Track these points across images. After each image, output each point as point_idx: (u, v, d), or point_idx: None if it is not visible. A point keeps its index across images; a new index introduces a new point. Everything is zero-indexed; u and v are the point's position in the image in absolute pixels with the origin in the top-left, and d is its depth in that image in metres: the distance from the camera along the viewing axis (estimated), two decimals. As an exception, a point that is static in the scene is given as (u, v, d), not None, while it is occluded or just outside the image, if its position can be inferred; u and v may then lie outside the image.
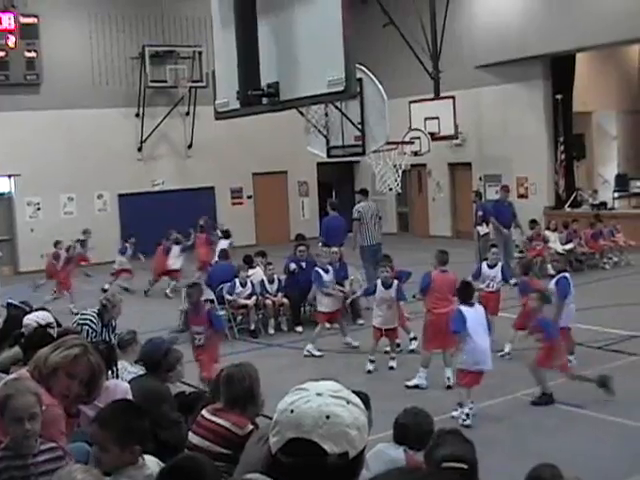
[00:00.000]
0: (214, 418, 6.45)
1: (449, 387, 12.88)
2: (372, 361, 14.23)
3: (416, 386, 12.95)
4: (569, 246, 23.01)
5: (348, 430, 2.57)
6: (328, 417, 2.55)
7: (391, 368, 14.25)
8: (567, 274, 14.06)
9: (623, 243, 23.86)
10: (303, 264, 18.45)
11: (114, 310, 11.74)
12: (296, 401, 2.61)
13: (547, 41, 27.31)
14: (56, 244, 22.84)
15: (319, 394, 2.62)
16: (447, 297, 13.25)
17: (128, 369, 8.48)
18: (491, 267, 15.79)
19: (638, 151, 33.40)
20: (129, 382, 7.55)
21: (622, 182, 30.45)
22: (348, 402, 2.63)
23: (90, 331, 11.30)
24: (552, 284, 13.90)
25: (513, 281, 19.82)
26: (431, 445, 5.47)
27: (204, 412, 6.60)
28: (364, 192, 21.67)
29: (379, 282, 14.21)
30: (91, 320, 11.57)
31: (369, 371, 14.08)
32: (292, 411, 2.59)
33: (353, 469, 2.62)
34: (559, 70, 29.89)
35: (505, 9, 29.02)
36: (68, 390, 5.57)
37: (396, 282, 14.22)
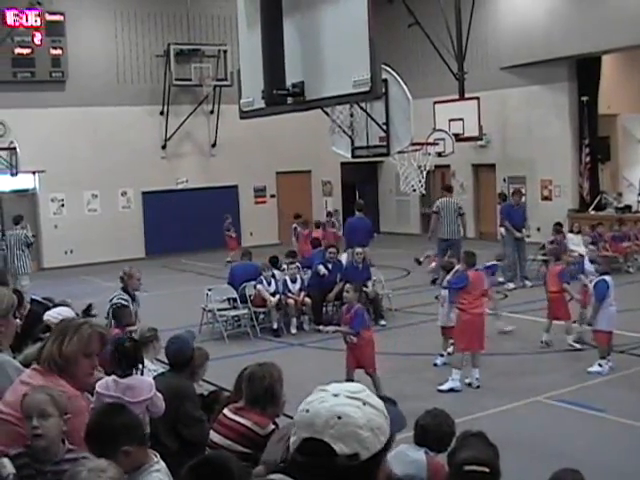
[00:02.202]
0: (236, 417, 6.45)
1: (478, 387, 12.90)
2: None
3: (451, 389, 12.87)
4: (593, 249, 22.86)
5: (360, 431, 2.54)
6: (340, 417, 2.54)
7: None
8: (607, 277, 14.00)
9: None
10: (330, 266, 18.47)
11: (131, 281, 12.95)
12: (313, 401, 2.61)
13: (572, 43, 27.21)
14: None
15: (335, 394, 2.61)
16: (480, 297, 13.30)
17: (149, 367, 8.49)
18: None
19: (664, 154, 33.19)
20: (155, 379, 7.57)
21: (647, 185, 30.27)
22: (365, 403, 2.60)
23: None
24: (591, 287, 14.02)
25: (530, 284, 19.92)
26: (454, 447, 5.46)
27: (226, 410, 6.61)
28: (448, 188, 23.62)
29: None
30: (122, 297, 12.56)
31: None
32: (307, 411, 2.60)
33: (367, 471, 2.58)
34: (584, 72, 29.77)
35: (530, 10, 28.92)
36: (91, 368, 5.57)
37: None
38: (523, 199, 25.53)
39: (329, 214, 28.93)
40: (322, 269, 18.41)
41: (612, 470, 9.49)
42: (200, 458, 4.51)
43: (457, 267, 14.50)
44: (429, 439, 6.40)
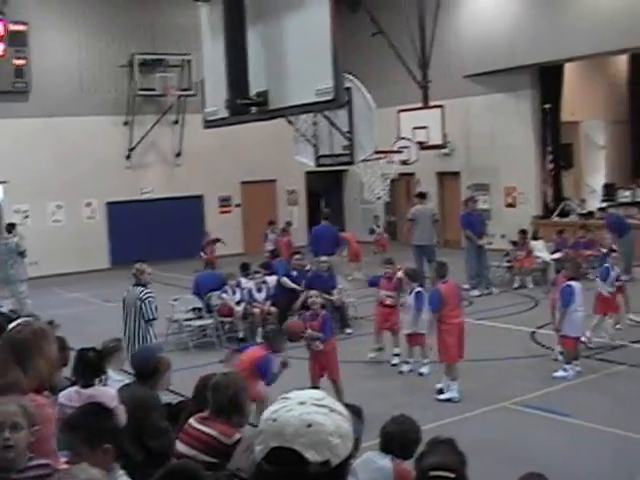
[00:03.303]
0: (201, 427, 6.44)
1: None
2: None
3: (449, 399, 12.87)
4: (557, 255, 23.05)
5: (330, 438, 2.54)
6: (310, 425, 2.54)
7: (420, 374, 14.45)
8: (574, 282, 14.12)
9: (615, 249, 23.87)
10: (294, 273, 18.51)
11: (143, 276, 13.54)
12: (279, 410, 2.60)
13: (535, 51, 27.42)
14: None
15: (302, 403, 2.60)
16: (456, 307, 13.29)
17: (113, 377, 8.47)
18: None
19: (625, 161, 33.51)
20: (120, 389, 7.55)
21: (610, 191, 30.54)
22: (331, 410, 2.61)
23: (154, 301, 13.26)
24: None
25: (496, 290, 20.09)
26: (422, 452, 5.48)
27: (191, 420, 6.59)
28: (422, 195, 23.90)
29: None
30: (151, 293, 13.33)
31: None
32: (275, 420, 2.58)
33: (336, 478, 2.59)
34: (547, 80, 30.02)
35: (493, 19, 29.12)
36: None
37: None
38: (484, 206, 25.72)
39: (288, 223, 29.22)
40: (287, 282, 18.44)
41: (577, 474, 9.57)
42: (170, 466, 4.52)
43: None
44: (395, 446, 6.41)
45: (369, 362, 15.25)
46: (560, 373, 13.76)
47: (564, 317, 13.84)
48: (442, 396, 12.90)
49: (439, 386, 13.03)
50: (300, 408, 2.59)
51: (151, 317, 13.21)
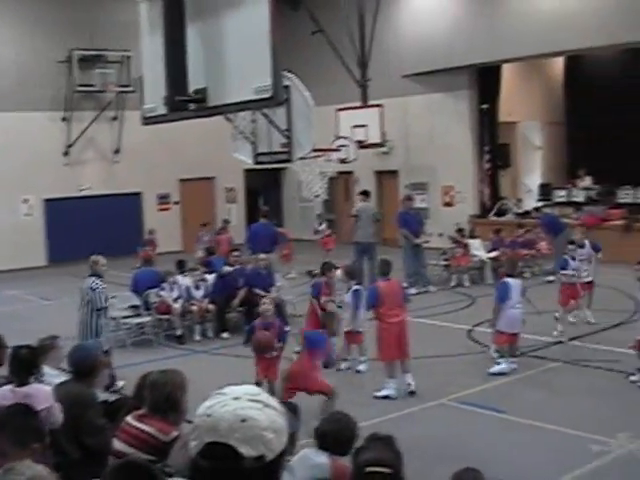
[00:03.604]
0: (138, 424, 6.41)
1: (412, 393, 13.02)
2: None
3: (386, 397, 12.92)
4: (494, 254, 23.30)
5: (264, 433, 2.56)
6: (244, 420, 2.55)
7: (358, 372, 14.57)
8: (509, 279, 14.33)
9: (547, 251, 24.19)
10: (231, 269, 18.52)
11: (97, 267, 13.92)
12: (214, 405, 2.62)
13: (473, 52, 27.68)
14: None
15: (236, 398, 2.62)
16: (396, 306, 13.30)
17: (50, 373, 8.40)
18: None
19: (561, 161, 33.96)
20: (56, 387, 7.50)
21: (546, 191, 30.88)
22: (265, 405, 2.63)
23: (104, 291, 13.75)
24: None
25: (434, 289, 20.31)
26: (358, 448, 5.51)
27: (128, 418, 6.56)
28: (365, 193, 23.99)
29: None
30: (100, 283, 13.77)
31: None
32: (209, 415, 2.59)
33: (271, 472, 2.61)
34: (485, 80, 30.35)
35: (432, 20, 29.34)
36: None
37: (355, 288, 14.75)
38: (422, 205, 25.91)
39: (226, 221, 29.21)
40: (226, 268, 18.44)
41: (512, 469, 9.68)
42: (124, 460, 4.51)
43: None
44: (331, 443, 6.42)
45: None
46: (495, 368, 13.96)
47: (499, 313, 14.07)
48: (379, 393, 12.97)
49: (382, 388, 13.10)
50: (235, 403, 2.60)
51: (99, 306, 13.63)
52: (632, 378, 13.14)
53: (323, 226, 28.59)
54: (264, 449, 2.57)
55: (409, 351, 13.28)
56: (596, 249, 17.96)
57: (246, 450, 2.54)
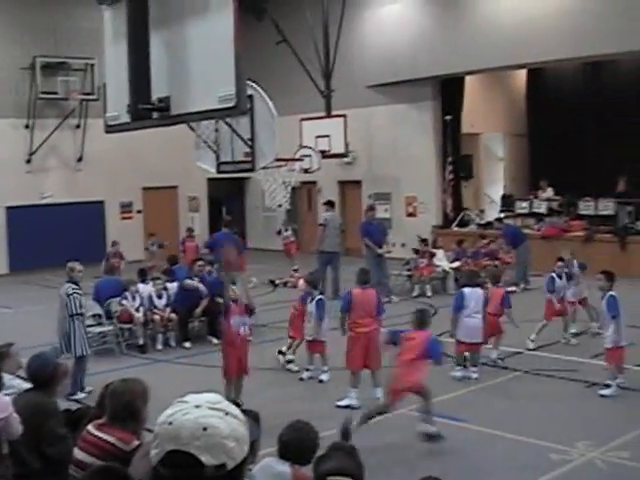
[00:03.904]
0: (99, 433, 6.37)
1: None
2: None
3: (348, 406, 12.87)
4: (456, 264, 23.41)
5: (225, 442, 2.57)
6: (205, 429, 2.55)
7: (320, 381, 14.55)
8: (466, 289, 14.53)
9: (510, 259, 24.35)
10: (196, 279, 18.46)
11: (74, 273, 14.39)
12: (175, 413, 2.62)
13: (437, 63, 27.87)
14: None
15: (197, 406, 2.62)
16: (367, 315, 13.24)
17: (11, 383, 8.34)
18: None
19: (523, 173, 34.23)
20: (16, 397, 7.44)
21: (508, 202, 31.09)
22: (226, 413, 2.63)
23: (78, 297, 14.17)
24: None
25: (396, 299, 20.37)
26: (319, 457, 5.51)
27: (89, 427, 6.51)
28: (330, 203, 24.36)
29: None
30: (75, 289, 14.22)
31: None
32: (170, 423, 2.59)
33: None
34: (448, 92, 30.53)
35: (397, 31, 29.46)
36: None
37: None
38: (385, 215, 26.01)
39: (190, 229, 29.15)
40: (189, 282, 18.36)
41: (472, 478, 9.73)
42: (102, 465, 4.49)
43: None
44: (292, 452, 6.42)
45: (270, 369, 15.27)
46: (456, 373, 14.16)
47: (455, 322, 14.43)
48: (341, 402, 12.97)
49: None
50: (196, 411, 2.60)
51: (74, 312, 14.04)
52: (602, 392, 13.19)
53: (288, 232, 28.57)
54: (225, 457, 2.57)
55: (379, 362, 13.19)
56: (582, 268, 17.96)
57: (207, 458, 2.54)
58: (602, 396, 13.05)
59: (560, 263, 17.40)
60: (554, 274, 17.10)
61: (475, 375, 14.23)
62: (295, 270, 24.64)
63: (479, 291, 14.74)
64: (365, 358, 13.12)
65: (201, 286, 18.27)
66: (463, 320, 14.33)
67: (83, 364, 14.23)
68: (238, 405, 2.87)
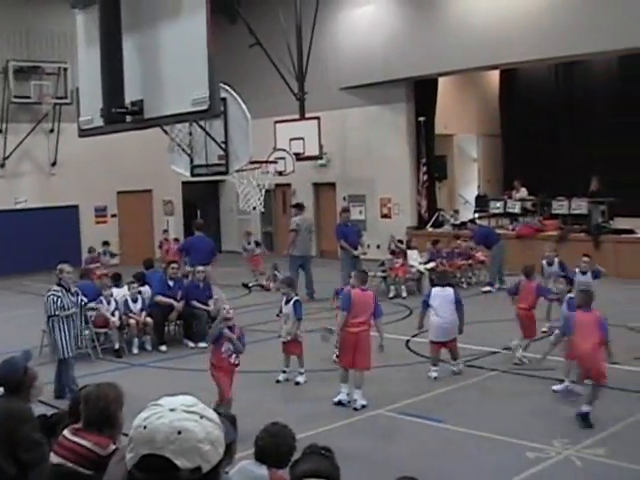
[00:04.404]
0: (75, 438, 6.34)
1: (355, 409, 12.82)
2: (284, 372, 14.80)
3: (340, 402, 12.93)
4: (431, 265, 23.46)
5: (200, 445, 2.57)
6: (180, 432, 2.55)
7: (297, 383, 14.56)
8: (434, 289, 14.72)
9: (484, 258, 24.44)
10: (171, 283, 18.44)
11: (63, 275, 14.27)
12: (150, 417, 2.61)
13: (410, 65, 27.92)
14: None
15: (172, 409, 2.62)
16: (362, 315, 13.15)
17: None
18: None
19: (497, 173, 34.39)
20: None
21: (482, 203, 31.21)
22: (202, 417, 2.63)
23: (55, 298, 13.97)
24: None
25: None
26: (295, 460, 5.51)
27: (65, 432, 6.49)
28: (299, 206, 24.11)
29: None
30: (54, 291, 14.10)
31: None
32: (145, 427, 2.59)
33: None
34: (422, 93, 30.61)
35: (370, 33, 29.50)
36: None
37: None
38: (360, 217, 26.03)
39: (165, 231, 29.19)
40: (162, 299, 18.26)
41: (449, 477, 9.77)
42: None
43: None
44: (269, 455, 6.41)
45: (246, 372, 15.25)
46: (432, 374, 14.35)
47: (420, 318, 14.96)
48: (335, 399, 13.03)
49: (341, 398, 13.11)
50: (171, 415, 2.60)
51: (50, 313, 14.08)
52: (554, 388, 13.28)
53: (252, 245, 28.29)
54: (200, 461, 2.57)
55: (365, 364, 13.06)
56: (563, 268, 17.91)
57: (182, 462, 2.54)
58: (554, 392, 13.18)
59: (586, 259, 17.33)
60: (578, 269, 17.10)
61: (456, 368, 14.41)
62: (275, 273, 24.61)
63: (448, 290, 14.75)
64: (351, 356, 13.08)
65: (172, 302, 18.24)
66: (431, 319, 14.43)
67: (66, 366, 14.08)
68: (219, 413, 2.86)
